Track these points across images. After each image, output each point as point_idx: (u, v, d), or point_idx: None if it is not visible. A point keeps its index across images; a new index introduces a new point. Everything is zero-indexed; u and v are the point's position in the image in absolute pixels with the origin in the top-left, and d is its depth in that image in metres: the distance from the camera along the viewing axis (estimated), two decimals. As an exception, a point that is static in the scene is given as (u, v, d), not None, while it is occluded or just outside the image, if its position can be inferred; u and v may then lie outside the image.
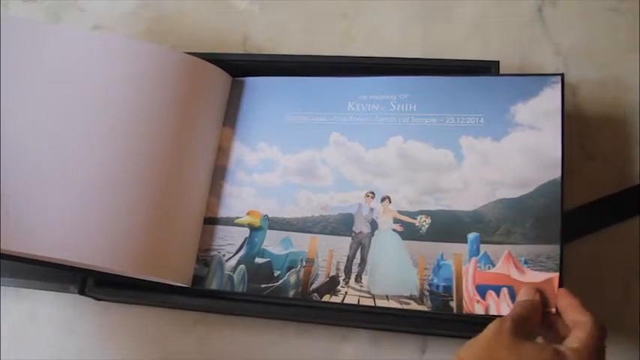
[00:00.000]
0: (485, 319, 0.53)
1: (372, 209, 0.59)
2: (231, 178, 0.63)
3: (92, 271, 0.58)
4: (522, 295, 0.51)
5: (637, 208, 0.61)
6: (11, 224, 0.55)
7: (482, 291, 0.53)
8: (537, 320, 0.49)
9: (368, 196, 0.59)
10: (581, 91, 0.65)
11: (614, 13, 0.67)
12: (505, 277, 0.53)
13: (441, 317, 0.55)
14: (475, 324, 0.54)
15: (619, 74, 0.65)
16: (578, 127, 0.63)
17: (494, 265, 0.54)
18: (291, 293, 0.57)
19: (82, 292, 0.61)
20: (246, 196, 0.62)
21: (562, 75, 0.57)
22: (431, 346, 0.60)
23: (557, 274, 0.52)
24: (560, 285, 0.52)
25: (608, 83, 0.65)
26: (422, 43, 0.69)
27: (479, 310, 0.53)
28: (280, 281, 0.58)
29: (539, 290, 0.51)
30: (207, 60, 0.62)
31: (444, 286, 0.55)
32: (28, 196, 0.56)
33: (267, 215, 0.61)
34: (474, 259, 0.54)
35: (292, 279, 0.58)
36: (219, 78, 0.64)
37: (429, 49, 0.69)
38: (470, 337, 0.58)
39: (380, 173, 0.60)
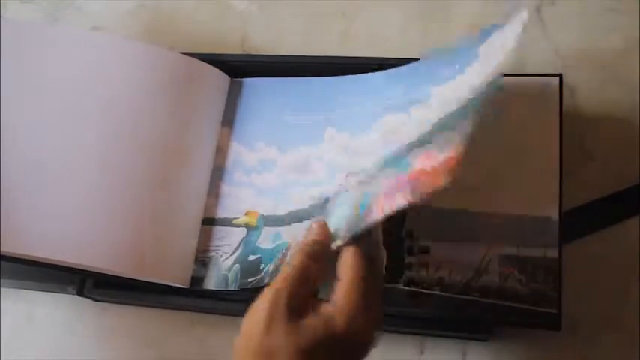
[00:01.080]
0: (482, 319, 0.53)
1: None
2: (229, 178, 0.63)
3: (91, 272, 0.58)
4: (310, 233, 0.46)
5: (636, 209, 0.61)
6: (10, 225, 0.55)
7: None
8: (317, 270, 0.44)
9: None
10: (580, 91, 0.65)
11: (613, 13, 0.67)
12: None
13: (440, 318, 0.55)
14: (474, 323, 0.55)
15: (618, 74, 0.65)
16: (576, 128, 0.63)
17: None
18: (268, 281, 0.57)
19: (80, 293, 0.61)
20: (245, 196, 0.62)
21: (560, 75, 0.57)
22: (429, 346, 0.60)
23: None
24: (560, 286, 0.52)
25: (606, 84, 0.65)
26: (421, 43, 0.69)
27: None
28: (262, 273, 0.58)
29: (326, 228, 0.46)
30: (205, 60, 0.62)
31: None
32: (27, 197, 0.56)
33: (263, 215, 0.61)
34: None
35: (271, 268, 0.57)
36: (217, 79, 0.64)
37: (427, 49, 0.69)
38: (468, 338, 0.59)
39: (366, 154, 0.58)
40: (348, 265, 0.43)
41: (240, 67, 0.65)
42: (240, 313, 0.61)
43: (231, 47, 0.72)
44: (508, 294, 0.54)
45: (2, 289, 0.66)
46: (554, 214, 0.54)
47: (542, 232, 0.54)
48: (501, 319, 0.54)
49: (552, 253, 0.53)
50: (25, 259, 0.57)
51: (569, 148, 0.58)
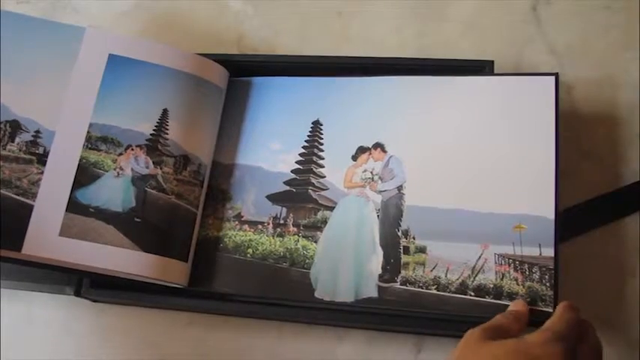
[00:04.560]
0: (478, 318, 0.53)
1: None
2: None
3: (88, 272, 0.58)
4: (511, 306, 0.52)
5: (632, 207, 0.61)
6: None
7: None
8: (517, 328, 0.50)
9: None
10: (576, 89, 0.65)
11: (608, 12, 0.67)
12: None
13: (437, 317, 0.55)
14: (470, 323, 0.55)
15: (614, 73, 0.65)
16: (573, 126, 0.63)
17: None
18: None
19: (77, 294, 0.61)
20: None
21: (556, 74, 0.57)
22: (426, 345, 0.60)
23: None
24: (556, 285, 0.52)
25: (602, 82, 0.65)
26: (416, 43, 0.69)
27: None
28: None
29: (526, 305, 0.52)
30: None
31: None
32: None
33: None
34: None
35: None
36: (219, 74, 0.64)
37: (423, 49, 0.69)
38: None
39: None
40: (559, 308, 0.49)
41: (237, 67, 0.65)
42: (237, 314, 0.61)
43: (227, 47, 0.72)
44: (504, 293, 0.54)
45: (1, 289, 0.66)
46: (551, 213, 0.54)
47: (538, 230, 0.54)
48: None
49: (548, 251, 0.53)
50: (22, 260, 0.57)
51: (565, 146, 0.58)
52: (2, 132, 0.58)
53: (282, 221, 0.61)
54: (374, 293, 0.56)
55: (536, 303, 0.53)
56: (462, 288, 0.55)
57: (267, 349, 0.62)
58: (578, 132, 0.64)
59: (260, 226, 0.61)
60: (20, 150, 0.58)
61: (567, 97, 0.65)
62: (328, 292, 0.57)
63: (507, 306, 0.53)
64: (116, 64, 0.60)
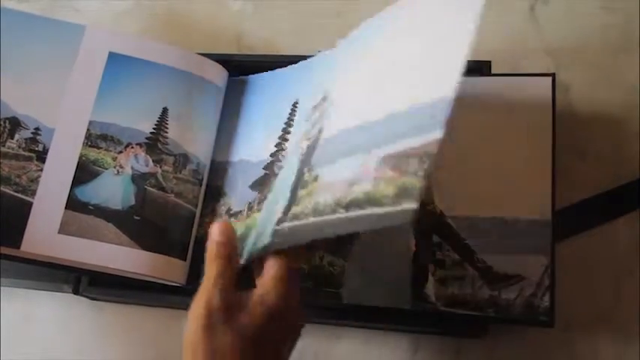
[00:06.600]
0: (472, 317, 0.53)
1: None
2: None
3: (86, 270, 0.59)
4: (216, 234, 0.48)
5: (629, 206, 0.62)
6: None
7: None
8: (229, 269, 0.46)
9: None
10: (573, 90, 0.65)
11: (606, 12, 0.67)
12: None
13: (434, 315, 0.55)
14: (468, 322, 0.55)
15: (611, 73, 0.65)
16: (569, 127, 0.63)
17: None
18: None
19: (76, 292, 0.61)
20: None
21: (553, 75, 0.57)
22: (423, 344, 0.60)
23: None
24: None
25: (599, 82, 0.65)
26: (415, 43, 0.69)
27: None
28: None
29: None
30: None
31: None
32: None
33: None
34: None
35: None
36: (219, 74, 0.64)
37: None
38: (462, 336, 0.59)
39: None
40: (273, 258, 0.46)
41: (236, 66, 0.65)
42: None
43: (226, 46, 0.72)
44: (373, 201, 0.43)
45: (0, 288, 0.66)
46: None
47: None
48: (495, 316, 0.54)
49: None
50: (21, 258, 0.57)
51: (562, 146, 0.58)
52: (1, 129, 0.58)
53: (255, 206, 0.59)
54: (267, 239, 0.49)
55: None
56: (335, 207, 0.44)
57: (265, 347, 0.62)
58: (574, 132, 0.64)
59: (240, 216, 0.59)
60: (19, 147, 0.58)
61: (564, 97, 0.65)
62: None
63: (377, 216, 0.41)
64: (116, 62, 0.60)
